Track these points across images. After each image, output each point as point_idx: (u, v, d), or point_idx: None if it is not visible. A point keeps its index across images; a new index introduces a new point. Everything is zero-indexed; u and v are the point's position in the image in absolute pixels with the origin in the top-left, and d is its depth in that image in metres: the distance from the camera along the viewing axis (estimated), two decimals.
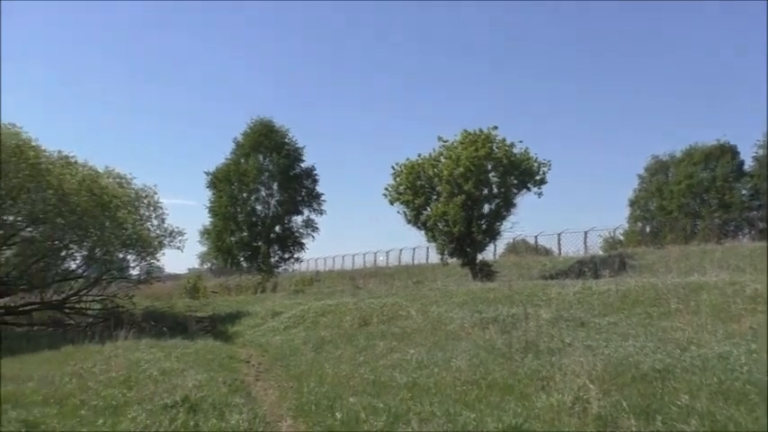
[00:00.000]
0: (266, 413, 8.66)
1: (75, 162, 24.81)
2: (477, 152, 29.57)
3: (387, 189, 32.91)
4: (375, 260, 51.84)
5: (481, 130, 30.74)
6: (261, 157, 49.24)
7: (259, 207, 49.73)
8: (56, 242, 24.61)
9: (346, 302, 20.92)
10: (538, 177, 30.54)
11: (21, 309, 25.26)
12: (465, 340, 12.82)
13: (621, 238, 45.60)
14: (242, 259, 49.48)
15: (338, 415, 8.18)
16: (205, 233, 50.70)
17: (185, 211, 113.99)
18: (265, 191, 49.89)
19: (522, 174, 30.20)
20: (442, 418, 7.66)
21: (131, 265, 27.85)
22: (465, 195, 29.59)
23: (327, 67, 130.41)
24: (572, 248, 36.14)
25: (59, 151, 24.78)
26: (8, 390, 9.98)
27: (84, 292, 26.61)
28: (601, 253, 34.91)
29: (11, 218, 23.43)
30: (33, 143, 22.95)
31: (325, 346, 14.93)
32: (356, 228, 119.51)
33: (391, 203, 32.65)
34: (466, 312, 15.80)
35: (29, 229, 23.93)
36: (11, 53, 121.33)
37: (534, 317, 13.75)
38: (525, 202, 33.61)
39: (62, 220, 23.20)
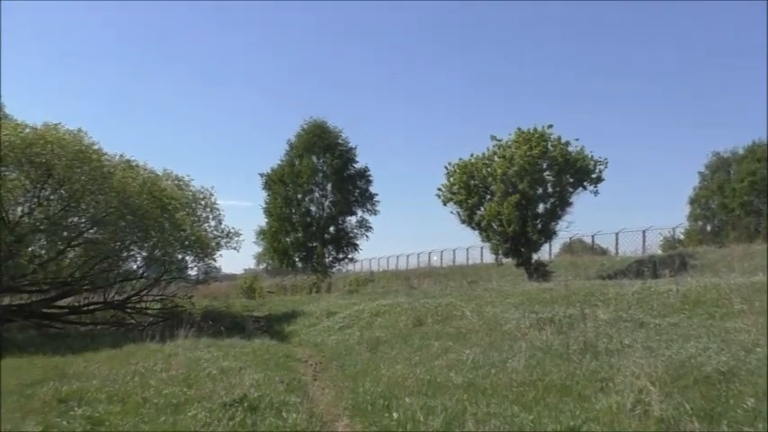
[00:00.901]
0: (323, 412, 8.73)
1: (136, 165, 25.41)
2: (532, 151, 29.30)
3: (440, 189, 32.90)
4: (429, 260, 51.82)
5: (535, 129, 30.46)
6: (314, 158, 49.54)
7: (313, 208, 50.04)
8: (118, 243, 25.22)
9: (401, 302, 20.93)
10: (594, 176, 30.12)
11: (84, 308, 25.96)
12: (521, 341, 12.69)
13: (681, 236, 44.54)
14: (297, 260, 49.86)
15: (394, 415, 8.19)
16: (261, 234, 51.27)
17: (241, 212, 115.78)
18: (319, 192, 50.16)
19: (577, 172, 29.81)
20: (498, 419, 7.62)
21: (190, 265, 28.39)
22: (519, 195, 29.35)
23: (382, 68, 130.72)
24: (630, 248, 35.53)
25: (121, 155, 25.44)
26: (73, 387, 10.29)
27: (145, 292, 27.19)
28: (660, 252, 34.22)
29: (75, 219, 24.12)
30: (96, 147, 23.59)
31: (380, 346, 14.97)
32: (410, 228, 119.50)
33: (444, 204, 32.61)
34: (522, 313, 15.65)
35: (92, 230, 24.59)
36: (73, 58, 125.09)
37: (592, 317, 13.54)
38: (581, 200, 33.13)
39: (124, 222, 23.81)
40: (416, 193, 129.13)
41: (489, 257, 36.77)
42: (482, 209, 31.18)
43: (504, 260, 31.98)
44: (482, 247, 39.04)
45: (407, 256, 54.67)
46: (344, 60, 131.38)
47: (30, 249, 24.33)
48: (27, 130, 22.33)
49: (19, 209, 24.01)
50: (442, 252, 50.94)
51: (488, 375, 10.01)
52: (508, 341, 12.95)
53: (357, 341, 16.47)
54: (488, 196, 31.26)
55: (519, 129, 30.91)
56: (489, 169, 31.07)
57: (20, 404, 9.29)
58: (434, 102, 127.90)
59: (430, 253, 52.20)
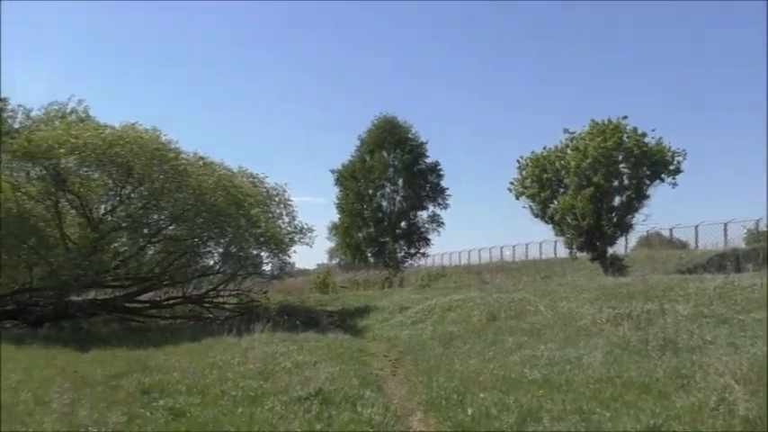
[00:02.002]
0: (397, 407, 8.76)
1: (211, 163, 26.02)
2: (606, 142, 28.69)
3: (512, 183, 32.59)
4: (501, 255, 51.28)
5: (610, 120, 29.81)
6: (385, 154, 49.73)
7: (385, 203, 50.25)
8: (195, 240, 25.91)
9: (473, 297, 20.80)
10: (672, 167, 29.27)
11: (164, 303, 26.81)
12: (597, 337, 12.47)
13: (766, 229, 42.77)
14: (369, 255, 50.19)
15: (469, 410, 8.16)
16: (333, 229, 51.84)
17: (314, 208, 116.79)
18: (390, 187, 50.35)
19: (654, 164, 29.03)
20: (574, 416, 7.50)
21: (264, 261, 28.90)
22: (594, 187, 28.77)
23: (453, 62, 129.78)
24: (710, 241, 34.26)
25: (195, 152, 26.11)
26: (155, 379, 10.64)
27: (222, 287, 27.82)
28: (743, 246, 32.93)
29: (155, 217, 24.90)
30: (173, 145, 24.27)
31: (453, 341, 14.92)
32: (481, 223, 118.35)
33: (517, 198, 32.31)
34: (597, 308, 15.37)
35: (171, 227, 25.34)
36: (150, 56, 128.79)
37: (671, 313, 13.17)
38: (659, 193, 32.16)
39: (201, 219, 24.45)
40: (488, 188, 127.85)
41: (563, 252, 36.21)
42: (555, 202, 30.73)
43: (579, 254, 31.40)
44: (555, 242, 38.41)
45: (479, 250, 54.22)
46: (416, 54, 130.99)
47: (112, 246, 25.28)
48: (107, 131, 23.16)
49: (102, 207, 24.99)
50: (514, 247, 50.33)
51: (564, 372, 9.87)
52: (584, 337, 12.74)
53: (430, 336, 16.46)
54: (562, 189, 30.77)
55: (593, 121, 30.32)
56: (562, 162, 30.56)
57: (105, 394, 9.65)
58: (506, 95, 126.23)
59: (502, 248, 51.66)
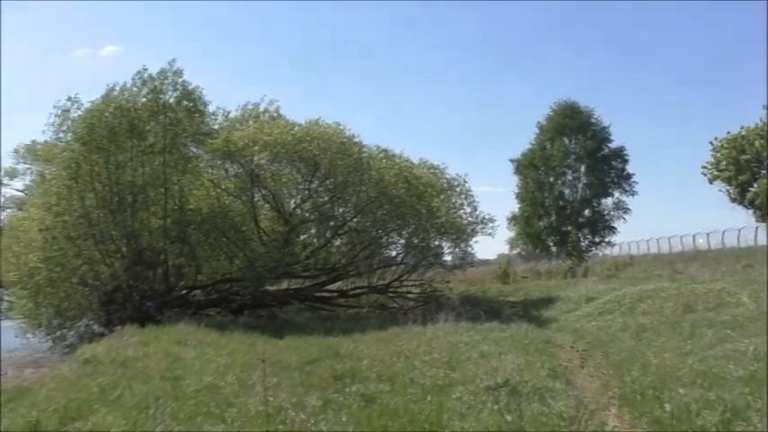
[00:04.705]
0: (589, 400, 8.48)
1: (393, 155, 26.58)
2: None
3: (705, 167, 30.68)
4: (694, 243, 48.33)
5: None
6: (566, 140, 48.34)
7: (566, 191, 48.80)
8: (379, 231, 26.63)
9: (665, 287, 19.77)
10: None
11: (351, 292, 27.78)
12: None
13: None
14: (551, 244, 49.08)
15: (667, 406, 7.72)
16: (513, 219, 51.18)
17: (495, 197, 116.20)
18: (572, 174, 48.82)
19: None
20: None
21: (446, 251, 29.11)
22: None
23: (636, 41, 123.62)
24: None
25: (377, 145, 26.79)
26: (346, 366, 11.08)
27: (405, 277, 28.34)
28: None
29: (341, 210, 25.89)
30: (356, 140, 25.09)
31: (644, 334, 14.27)
32: (671, 209, 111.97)
33: (710, 182, 30.39)
34: None
35: (355, 219, 26.22)
36: (323, 49, 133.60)
37: None
38: None
39: (383, 211, 25.11)
40: (678, 172, 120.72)
41: (765, 239, 33.49)
42: (755, 186, 28.44)
43: None
44: (756, 228, 35.60)
45: (669, 238, 51.44)
46: (596, 37, 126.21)
47: (302, 238, 26.62)
48: (296, 128, 24.37)
49: (292, 201, 26.39)
50: (708, 234, 47.22)
51: None
52: None
53: (619, 328, 15.83)
54: (763, 172, 28.44)
55: None
56: (763, 142, 28.22)
57: (301, 379, 10.20)
58: (697, 74, 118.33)
59: (695, 235, 48.65)
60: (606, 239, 49.23)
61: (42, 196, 22.21)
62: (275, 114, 27.02)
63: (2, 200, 28.72)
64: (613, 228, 48.79)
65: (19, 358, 18.94)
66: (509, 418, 7.33)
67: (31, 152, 27.40)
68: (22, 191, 28.11)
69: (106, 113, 21.76)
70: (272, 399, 8.36)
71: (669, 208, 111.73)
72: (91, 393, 9.86)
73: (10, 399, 10.33)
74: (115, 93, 22.37)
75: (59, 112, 22.16)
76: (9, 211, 28.22)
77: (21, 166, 28.43)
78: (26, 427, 8.24)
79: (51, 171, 23.24)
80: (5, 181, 28.45)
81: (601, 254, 50.41)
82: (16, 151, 28.22)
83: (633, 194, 48.33)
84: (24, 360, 18.58)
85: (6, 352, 19.81)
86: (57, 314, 21.88)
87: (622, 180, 48.19)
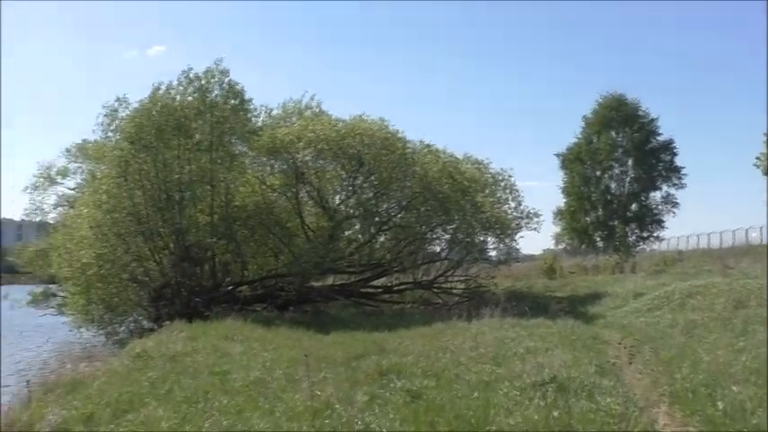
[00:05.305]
0: (638, 398, 8.33)
1: (436, 150, 26.51)
2: None
3: (758, 158, 29.84)
4: (746, 237, 47.11)
5: None
6: (613, 134, 47.60)
7: (613, 185, 48.10)
8: (423, 227, 26.60)
9: (716, 283, 19.34)
10: None
11: (395, 288, 27.79)
12: None
13: None
14: (597, 239, 48.42)
15: (719, 405, 7.54)
16: (559, 214, 50.58)
17: (541, 192, 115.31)
18: (619, 168, 48.08)
19: None
20: None
21: (490, 246, 28.96)
22: None
23: (684, 33, 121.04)
24: None
25: (421, 141, 26.74)
26: (392, 362, 11.07)
27: (450, 272, 28.26)
28: None
29: (384, 206, 25.92)
30: (400, 135, 25.07)
31: (695, 330, 13.98)
32: (722, 202, 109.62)
33: (765, 174, 29.54)
34: None
35: (399, 215, 26.22)
36: (367, 44, 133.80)
37: None
38: None
39: (427, 207, 25.07)
40: (729, 164, 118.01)
41: None
42: None
43: None
44: None
45: (720, 233, 50.17)
46: (642, 30, 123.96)
47: (346, 234, 26.72)
48: (340, 124, 24.45)
49: (336, 197, 26.51)
50: (761, 228, 45.97)
51: None
52: None
53: (669, 324, 15.57)
54: None
55: None
56: None
57: (347, 375, 10.22)
58: (750, 63, 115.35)
59: (747, 229, 47.37)
60: (654, 234, 48.38)
61: (93, 194, 22.62)
62: (317, 111, 27.14)
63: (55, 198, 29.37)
64: (661, 222, 47.92)
65: (74, 352, 19.43)
66: (556, 414, 7.24)
67: (82, 151, 27.96)
68: (73, 189, 28.69)
69: (153, 112, 22.09)
70: (318, 394, 8.43)
71: (720, 201, 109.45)
72: (141, 387, 10.08)
73: (67, 392, 10.71)
74: (161, 92, 22.69)
75: (108, 111, 22.60)
76: (62, 209, 28.83)
77: (72, 165, 28.96)
78: (81, 419, 8.48)
79: (101, 170, 23.69)
80: (59, 180, 29.04)
81: (648, 249, 49.52)
82: (68, 150, 28.81)
83: (682, 188, 47.41)
84: (79, 354, 19.03)
85: (63, 345, 20.79)
86: (107, 309, 22.30)
87: (671, 173, 47.30)
